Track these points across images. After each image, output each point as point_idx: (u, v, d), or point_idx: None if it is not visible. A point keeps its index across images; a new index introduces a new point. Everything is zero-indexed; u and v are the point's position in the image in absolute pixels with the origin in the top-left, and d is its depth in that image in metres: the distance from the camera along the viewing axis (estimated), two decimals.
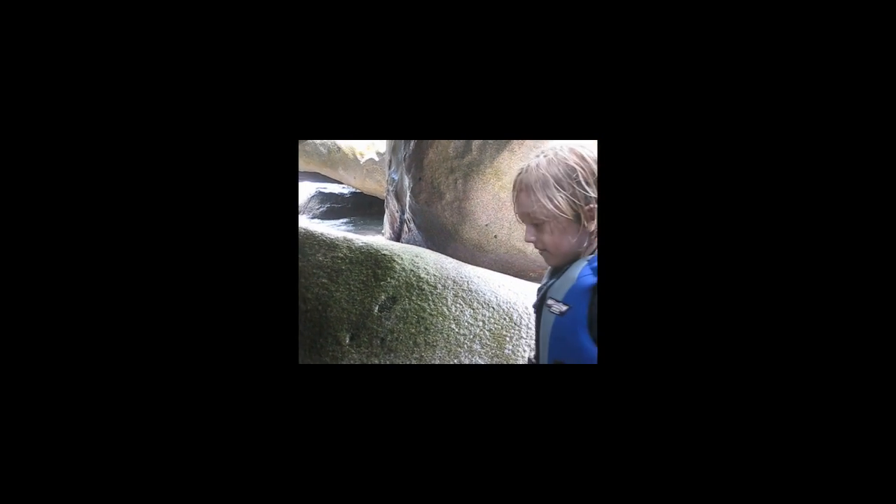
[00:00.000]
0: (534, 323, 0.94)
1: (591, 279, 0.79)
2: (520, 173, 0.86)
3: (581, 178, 0.81)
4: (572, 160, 0.81)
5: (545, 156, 0.83)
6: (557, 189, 0.82)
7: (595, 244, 0.85)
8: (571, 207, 0.82)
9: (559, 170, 0.82)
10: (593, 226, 0.83)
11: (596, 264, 0.81)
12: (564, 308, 0.81)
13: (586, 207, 0.81)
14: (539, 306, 0.90)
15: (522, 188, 0.86)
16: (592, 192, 0.81)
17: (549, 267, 0.98)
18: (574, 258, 0.86)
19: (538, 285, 0.99)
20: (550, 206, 0.83)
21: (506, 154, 2.50)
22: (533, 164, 0.84)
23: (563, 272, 0.86)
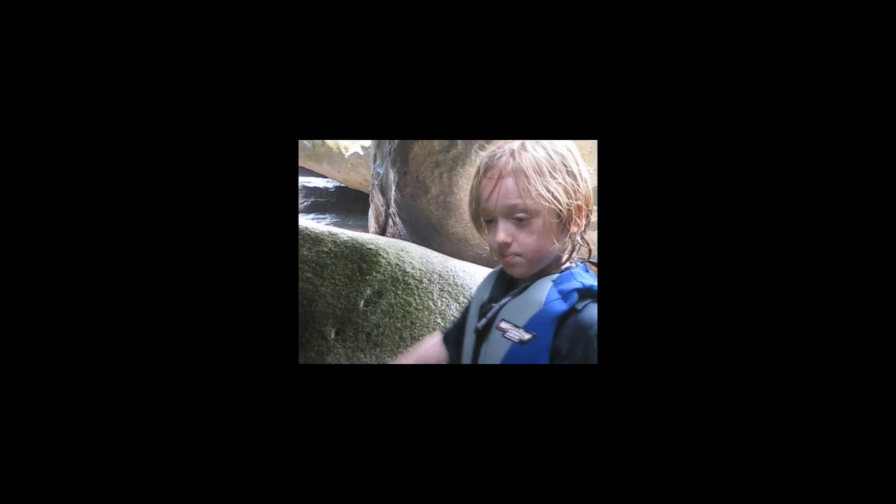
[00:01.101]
0: (467, 345, 0.78)
1: (561, 306, 0.68)
2: (497, 158, 0.71)
3: (573, 166, 0.71)
4: (561, 147, 0.71)
5: (527, 142, 0.71)
6: (552, 175, 0.69)
7: (565, 258, 0.74)
8: (567, 199, 0.69)
9: (551, 154, 0.70)
10: (575, 228, 0.72)
11: (564, 287, 0.70)
12: (527, 337, 0.68)
13: (574, 204, 0.70)
14: (485, 329, 0.74)
15: (508, 173, 0.70)
16: (581, 185, 0.71)
17: (492, 279, 0.83)
18: (541, 272, 0.74)
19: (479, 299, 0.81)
20: (546, 195, 0.68)
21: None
22: (517, 147, 0.70)
23: (521, 291, 0.73)
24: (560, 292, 0.70)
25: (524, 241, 0.71)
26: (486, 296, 0.81)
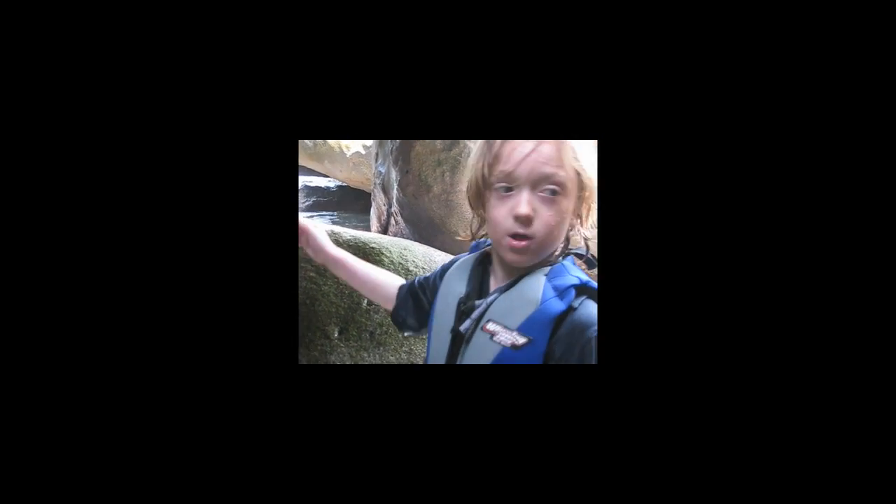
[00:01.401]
0: (438, 345, 0.70)
1: (558, 305, 0.61)
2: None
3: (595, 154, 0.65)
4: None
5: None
6: (584, 154, 0.62)
7: (559, 250, 0.67)
8: (592, 181, 0.63)
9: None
10: (586, 213, 0.66)
11: (559, 282, 0.63)
12: (522, 341, 0.61)
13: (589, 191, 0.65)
14: (471, 329, 0.65)
15: (543, 139, 0.62)
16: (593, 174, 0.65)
17: (465, 269, 0.72)
18: (534, 265, 0.66)
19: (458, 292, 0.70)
20: (585, 169, 0.62)
21: None
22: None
23: (510, 286, 0.65)
24: (555, 289, 0.63)
25: (546, 221, 0.62)
26: (461, 289, 0.70)
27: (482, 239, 0.76)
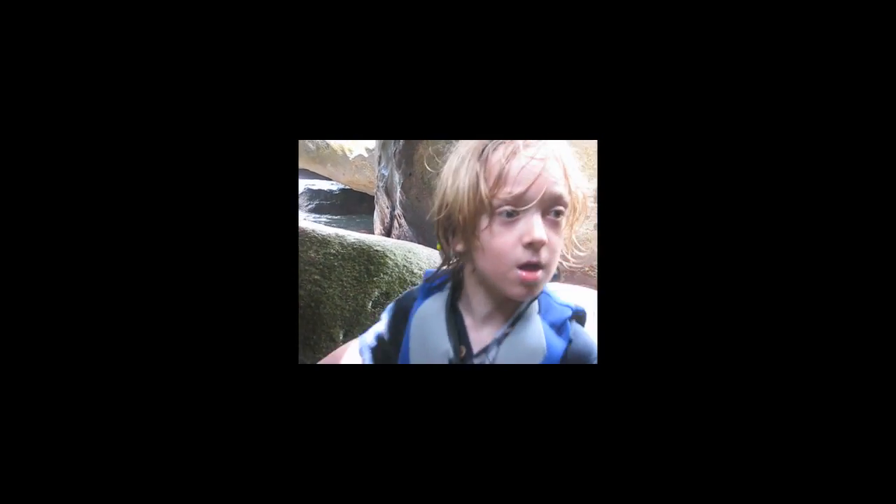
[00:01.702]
0: None
1: (561, 344, 0.57)
2: (515, 146, 0.55)
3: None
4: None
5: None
6: (576, 168, 0.56)
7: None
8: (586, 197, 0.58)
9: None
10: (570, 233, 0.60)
11: (554, 318, 0.59)
12: None
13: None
14: None
15: (551, 156, 0.55)
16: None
17: (440, 318, 0.61)
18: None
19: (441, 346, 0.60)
20: (585, 186, 0.56)
21: None
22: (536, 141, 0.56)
23: (507, 335, 0.58)
24: (553, 326, 0.58)
25: (554, 246, 0.55)
26: (444, 345, 0.60)
27: (429, 269, 0.69)
